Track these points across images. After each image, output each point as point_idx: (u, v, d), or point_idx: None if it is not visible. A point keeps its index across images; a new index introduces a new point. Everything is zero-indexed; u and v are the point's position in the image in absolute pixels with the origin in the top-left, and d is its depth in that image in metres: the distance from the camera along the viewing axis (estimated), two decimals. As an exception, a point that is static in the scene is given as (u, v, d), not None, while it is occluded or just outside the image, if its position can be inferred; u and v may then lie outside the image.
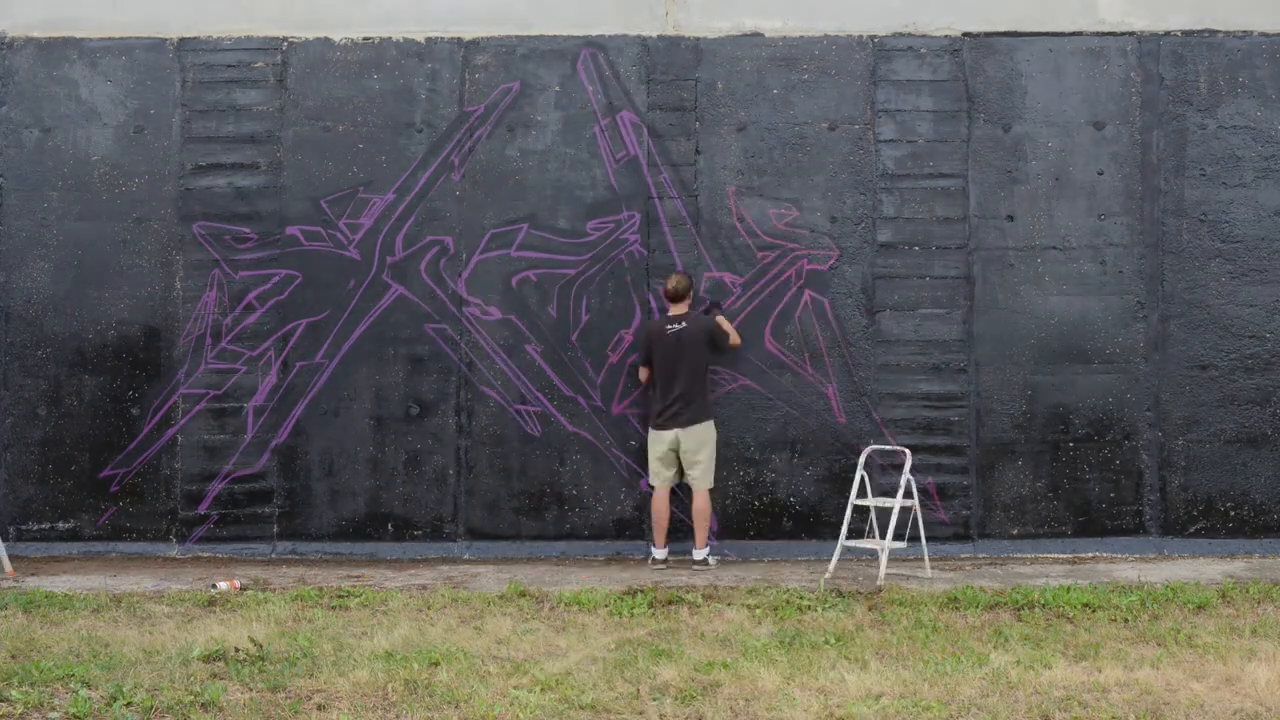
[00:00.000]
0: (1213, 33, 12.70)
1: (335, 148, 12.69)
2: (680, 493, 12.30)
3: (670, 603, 10.05)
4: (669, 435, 12.02)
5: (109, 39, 12.78)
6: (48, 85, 12.77)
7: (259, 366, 12.60)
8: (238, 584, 10.90)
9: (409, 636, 8.75)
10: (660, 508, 12.07)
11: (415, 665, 7.88)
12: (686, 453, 12.00)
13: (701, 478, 12.00)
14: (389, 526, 12.56)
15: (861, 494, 11.61)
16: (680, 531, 12.37)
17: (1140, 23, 12.70)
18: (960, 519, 12.46)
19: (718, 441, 12.14)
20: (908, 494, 11.46)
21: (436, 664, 7.93)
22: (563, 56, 12.74)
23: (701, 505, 12.01)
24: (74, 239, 12.64)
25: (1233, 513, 12.48)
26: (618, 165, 12.65)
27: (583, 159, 12.68)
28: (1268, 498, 12.50)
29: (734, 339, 12.31)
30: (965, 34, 12.71)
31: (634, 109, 12.73)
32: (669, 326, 12.07)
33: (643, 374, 12.26)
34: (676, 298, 12.14)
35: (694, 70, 12.71)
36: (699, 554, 11.98)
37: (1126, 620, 9.34)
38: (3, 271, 12.65)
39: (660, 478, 12.08)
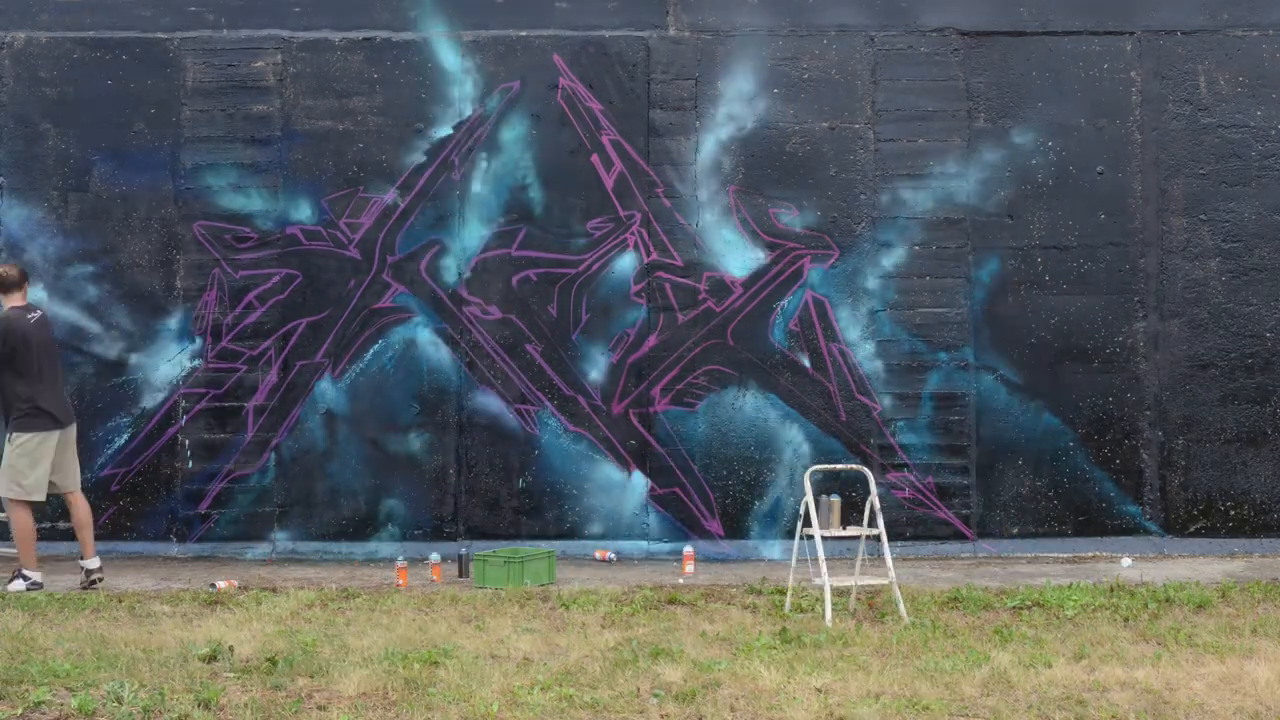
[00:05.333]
0: (1212, 31, 12.70)
1: (335, 147, 12.69)
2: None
3: (670, 602, 10.06)
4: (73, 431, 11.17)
5: (109, 38, 12.78)
6: (48, 83, 12.77)
7: (259, 366, 12.60)
8: (235, 582, 10.91)
9: (409, 636, 8.75)
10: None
11: (415, 665, 7.88)
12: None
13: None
14: (389, 526, 12.56)
15: None
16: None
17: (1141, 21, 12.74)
18: (961, 518, 12.46)
19: None
20: None
21: (437, 663, 7.93)
22: (564, 55, 12.74)
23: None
24: (74, 238, 12.64)
25: (1233, 512, 12.49)
26: (618, 165, 12.65)
27: (583, 159, 12.68)
28: (1268, 497, 12.51)
29: None
30: (965, 34, 12.71)
31: (635, 108, 12.72)
32: (29, 315, 11.01)
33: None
34: (9, 287, 11.04)
35: (694, 69, 12.71)
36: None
37: (1126, 620, 9.34)
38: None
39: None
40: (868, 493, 9.96)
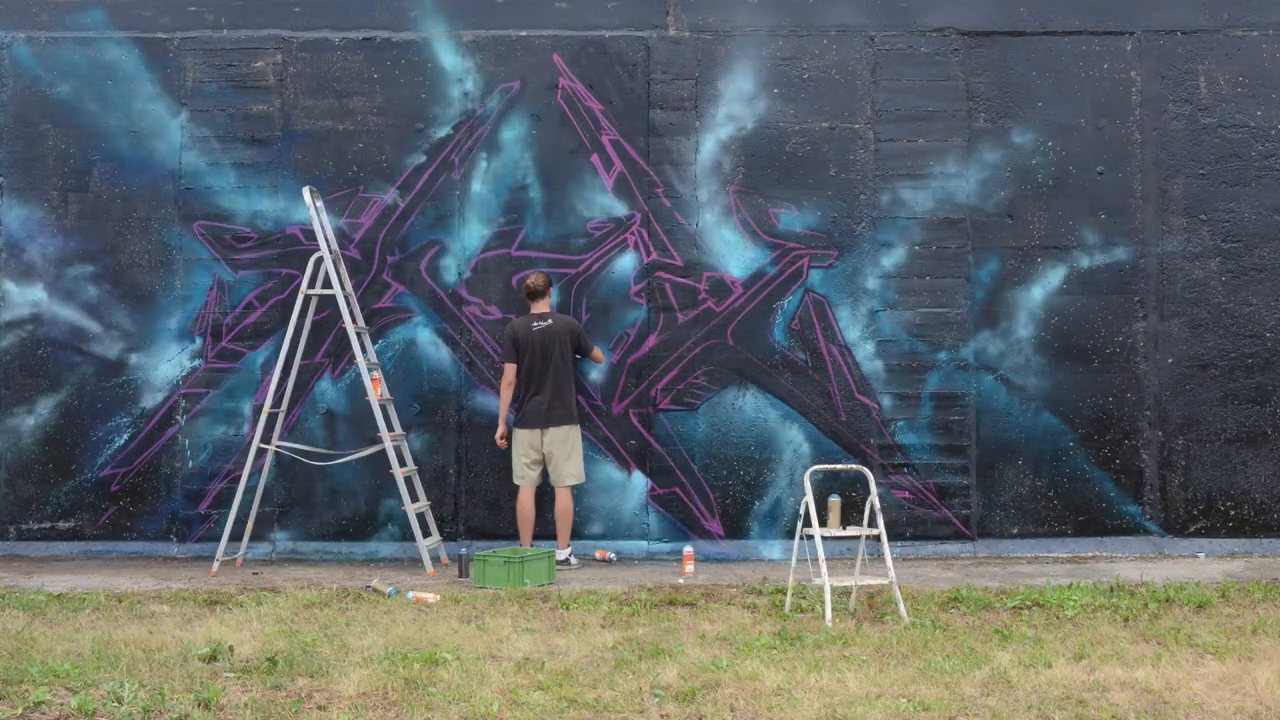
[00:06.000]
0: (1212, 31, 12.71)
1: (336, 147, 12.70)
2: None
3: (670, 603, 10.06)
4: (532, 435, 12.01)
5: (110, 38, 12.79)
6: (49, 84, 12.77)
7: (259, 366, 12.60)
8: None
9: (409, 636, 8.75)
10: (526, 506, 12.02)
11: (416, 665, 7.88)
12: (550, 454, 12.01)
13: (563, 476, 12.03)
14: (389, 526, 12.55)
15: None
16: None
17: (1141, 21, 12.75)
18: (961, 518, 12.46)
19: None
20: None
21: (437, 663, 7.93)
22: (564, 55, 12.74)
23: (563, 505, 12.02)
24: (74, 238, 12.64)
25: (1233, 512, 12.49)
26: (618, 165, 12.65)
27: (583, 158, 12.69)
28: (1267, 497, 12.51)
29: (597, 353, 12.34)
30: (965, 33, 12.71)
31: (634, 108, 12.73)
32: (534, 324, 12.03)
33: (509, 372, 12.04)
34: (535, 295, 12.11)
35: (694, 69, 12.71)
36: (561, 554, 11.96)
37: (1126, 620, 9.33)
38: (3, 270, 12.67)
39: (526, 478, 12.05)
40: (868, 493, 9.98)
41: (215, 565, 11.71)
